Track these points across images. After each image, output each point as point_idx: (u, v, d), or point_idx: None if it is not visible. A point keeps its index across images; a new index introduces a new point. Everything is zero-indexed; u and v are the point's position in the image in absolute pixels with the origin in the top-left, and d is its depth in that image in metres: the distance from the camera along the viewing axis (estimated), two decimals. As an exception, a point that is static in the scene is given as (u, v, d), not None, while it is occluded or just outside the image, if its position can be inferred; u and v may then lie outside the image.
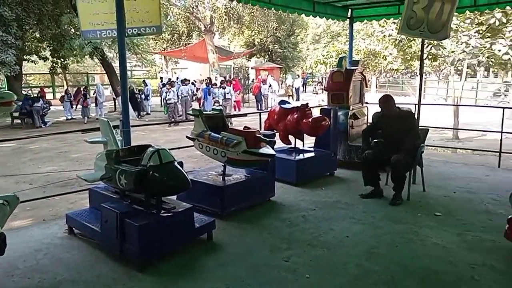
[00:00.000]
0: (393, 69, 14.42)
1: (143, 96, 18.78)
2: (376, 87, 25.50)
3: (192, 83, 20.82)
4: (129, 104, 16.92)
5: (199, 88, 18.62)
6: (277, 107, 6.49)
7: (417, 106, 6.05)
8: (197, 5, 23.63)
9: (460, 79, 12.26)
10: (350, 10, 8.11)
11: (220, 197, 4.45)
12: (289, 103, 6.72)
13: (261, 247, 3.79)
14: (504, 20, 9.63)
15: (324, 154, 6.30)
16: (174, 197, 4.23)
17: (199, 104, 17.18)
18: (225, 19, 24.33)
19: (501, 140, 7.03)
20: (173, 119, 14.54)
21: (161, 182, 3.36)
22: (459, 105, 10.57)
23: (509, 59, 9.61)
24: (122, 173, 3.57)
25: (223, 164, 4.78)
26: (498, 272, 3.29)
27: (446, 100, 15.09)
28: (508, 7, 7.44)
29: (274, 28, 28.72)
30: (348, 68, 6.94)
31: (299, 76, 31.17)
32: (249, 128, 4.76)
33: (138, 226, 3.27)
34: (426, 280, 3.20)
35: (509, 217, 3.58)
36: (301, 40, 34.20)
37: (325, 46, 24.69)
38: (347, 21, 8.38)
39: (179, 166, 3.49)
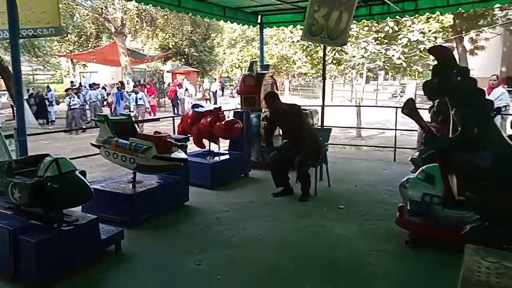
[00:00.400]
0: (302, 73, 15.21)
1: (46, 102, 17.35)
2: (290, 90, 26.61)
3: (103, 88, 19.79)
4: (32, 111, 15.33)
5: (110, 93, 17.75)
6: (190, 111, 6.46)
7: (321, 107, 6.46)
8: (106, 6, 22.49)
9: (363, 82, 13.33)
10: (260, 16, 8.38)
11: (130, 205, 4.30)
12: (202, 106, 6.73)
13: (173, 253, 3.74)
14: (396, 28, 10.74)
15: (238, 156, 6.42)
16: (79, 209, 4.00)
17: (111, 110, 16.38)
18: (137, 21, 23.46)
19: (395, 136, 7.81)
20: (76, 126, 13.58)
21: (60, 193, 3.15)
22: (360, 106, 11.51)
23: (401, 63, 10.76)
24: (15, 186, 3.27)
25: (132, 171, 4.63)
26: (391, 256, 3.65)
27: (351, 101, 16.32)
28: (397, 17, 8.27)
29: (189, 31, 28.42)
30: (259, 72, 7.16)
31: (216, 80, 31.24)
32: (159, 133, 4.68)
33: (35, 242, 3.02)
34: (330, 269, 3.44)
35: (400, 205, 4.00)
36: (217, 44, 34.31)
37: (240, 50, 25.12)
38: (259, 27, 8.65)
39: (80, 176, 3.31)
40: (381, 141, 10.25)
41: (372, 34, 10.73)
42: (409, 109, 2.32)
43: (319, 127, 6.62)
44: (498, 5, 11.49)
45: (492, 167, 2.20)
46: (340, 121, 11.55)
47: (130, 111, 12.67)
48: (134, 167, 4.44)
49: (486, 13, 20.95)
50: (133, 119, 5.58)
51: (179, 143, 4.52)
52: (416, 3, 6.78)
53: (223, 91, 33.91)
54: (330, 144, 7.26)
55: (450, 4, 6.57)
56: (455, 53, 24.40)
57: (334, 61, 11.48)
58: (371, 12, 7.37)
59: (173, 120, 7.19)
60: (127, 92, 15.22)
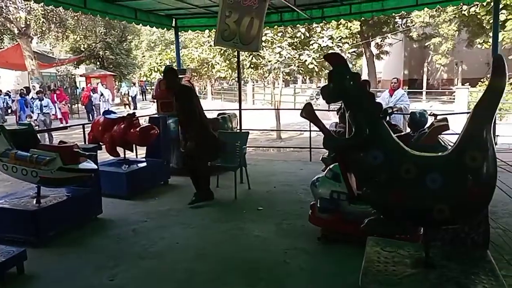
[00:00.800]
0: (221, 77, 15.30)
1: None
2: (212, 94, 26.61)
3: (6, 94, 18.04)
4: None
5: (15, 100, 16.24)
6: (101, 118, 6.15)
7: (238, 111, 6.56)
8: (7, 5, 20.48)
9: (282, 86, 13.80)
10: (174, 19, 8.24)
11: (33, 222, 3.96)
12: (114, 113, 6.44)
13: (84, 270, 3.52)
14: (308, 35, 11.30)
15: (156, 163, 6.25)
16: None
17: (16, 118, 14.97)
18: (44, 21, 21.69)
19: (310, 137, 8.20)
20: None
21: None
22: (279, 109, 11.90)
23: (314, 67, 11.35)
24: None
25: (36, 185, 4.27)
26: (305, 253, 3.81)
27: (272, 104, 16.81)
28: (306, 23, 8.70)
29: (103, 33, 27.04)
30: (175, 76, 7.03)
31: (135, 84, 30.12)
32: (65, 142, 4.38)
33: None
34: (247, 271, 3.48)
35: (311, 203, 4.20)
36: (135, 47, 33.15)
37: (159, 54, 24.52)
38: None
39: (-31, 194, 2.97)
40: (299, 142, 10.69)
41: (286, 39, 11.16)
42: (308, 112, 2.45)
43: (238, 131, 6.71)
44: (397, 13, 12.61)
45: (382, 165, 2.40)
46: (261, 124, 11.82)
47: (34, 120, 11.57)
48: (37, 180, 4.09)
49: (389, 20, 23.00)
50: (36, 128, 5.15)
51: (87, 153, 4.26)
52: (323, 10, 7.20)
53: (144, 96, 32.80)
54: (251, 146, 7.42)
55: (353, 12, 7.09)
56: (363, 57, 26.39)
57: (252, 65, 11.73)
58: (282, 19, 7.66)
59: (83, 128, 6.77)
60: (32, 98, 13.96)
